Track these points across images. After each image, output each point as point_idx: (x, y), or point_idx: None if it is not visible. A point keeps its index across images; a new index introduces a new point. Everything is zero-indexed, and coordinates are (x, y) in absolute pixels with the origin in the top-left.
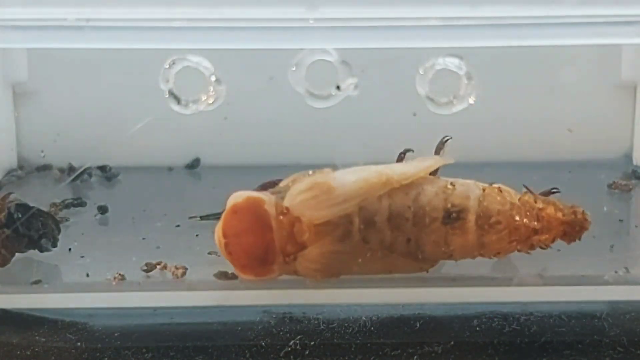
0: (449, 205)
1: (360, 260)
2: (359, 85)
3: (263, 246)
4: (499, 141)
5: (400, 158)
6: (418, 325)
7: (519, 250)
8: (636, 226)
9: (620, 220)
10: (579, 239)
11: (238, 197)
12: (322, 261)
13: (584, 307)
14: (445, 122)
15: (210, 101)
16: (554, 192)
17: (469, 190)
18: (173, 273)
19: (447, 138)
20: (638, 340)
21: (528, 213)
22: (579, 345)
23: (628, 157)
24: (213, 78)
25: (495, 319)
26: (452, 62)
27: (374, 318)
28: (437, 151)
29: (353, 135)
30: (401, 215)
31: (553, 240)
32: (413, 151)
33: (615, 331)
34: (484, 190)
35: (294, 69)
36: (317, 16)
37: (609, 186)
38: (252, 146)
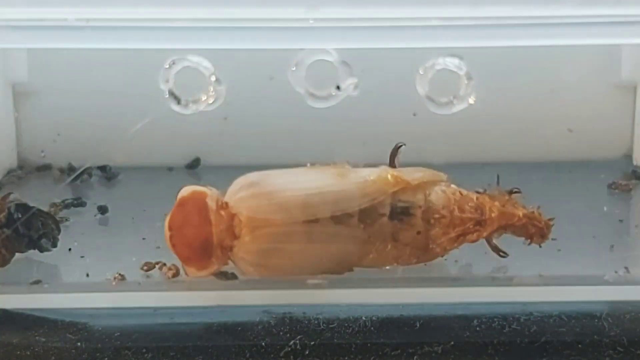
0: (396, 202)
1: (298, 248)
2: (359, 85)
3: (201, 239)
4: (499, 141)
5: (394, 154)
6: (418, 325)
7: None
8: (636, 226)
9: (620, 220)
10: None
11: (185, 190)
12: (256, 249)
13: (584, 307)
14: (445, 122)
15: (210, 101)
16: (515, 192)
17: (416, 188)
18: (165, 273)
19: (400, 144)
20: (638, 340)
21: (469, 206)
22: (579, 345)
23: (628, 157)
24: (213, 78)
25: (495, 319)
26: (452, 62)
27: (374, 318)
28: (391, 158)
29: (353, 135)
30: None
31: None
32: (405, 145)
33: (615, 331)
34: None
35: (294, 69)
36: (317, 16)
37: (609, 186)
38: (252, 146)
